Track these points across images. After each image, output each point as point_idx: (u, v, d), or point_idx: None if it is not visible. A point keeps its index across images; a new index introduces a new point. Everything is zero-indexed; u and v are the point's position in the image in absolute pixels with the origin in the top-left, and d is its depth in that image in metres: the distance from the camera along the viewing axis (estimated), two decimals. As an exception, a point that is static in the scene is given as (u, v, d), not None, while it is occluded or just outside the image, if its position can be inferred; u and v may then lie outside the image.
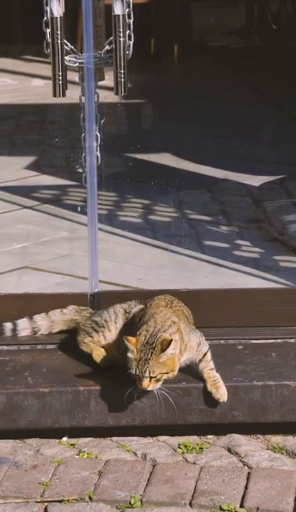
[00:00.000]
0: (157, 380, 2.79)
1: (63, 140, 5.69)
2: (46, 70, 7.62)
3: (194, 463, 2.87)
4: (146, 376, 2.77)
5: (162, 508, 2.67)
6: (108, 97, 3.50)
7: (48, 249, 4.13)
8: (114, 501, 2.69)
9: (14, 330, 3.23)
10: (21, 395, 2.96)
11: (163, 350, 2.78)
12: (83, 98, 3.15)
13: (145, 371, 2.77)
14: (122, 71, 3.02)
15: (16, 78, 7.59)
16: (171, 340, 2.79)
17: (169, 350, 2.79)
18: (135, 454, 2.88)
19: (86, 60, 3.08)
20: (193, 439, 2.98)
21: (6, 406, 2.95)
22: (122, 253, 4.05)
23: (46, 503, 2.70)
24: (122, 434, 2.97)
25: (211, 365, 2.96)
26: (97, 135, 3.17)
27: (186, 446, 2.94)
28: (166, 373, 2.80)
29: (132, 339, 2.81)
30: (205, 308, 3.29)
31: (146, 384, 2.78)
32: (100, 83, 3.19)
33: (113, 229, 4.30)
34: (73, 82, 3.19)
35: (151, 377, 2.78)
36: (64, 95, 3.06)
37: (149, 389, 2.79)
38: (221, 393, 2.91)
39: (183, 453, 2.92)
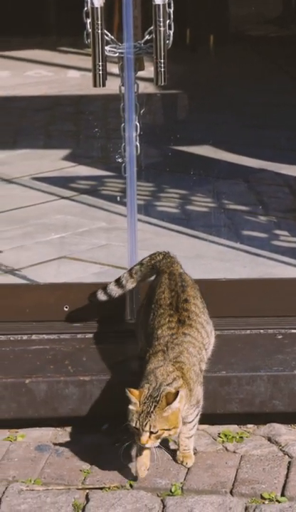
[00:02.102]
0: (157, 437, 2.61)
1: (99, 131, 5.70)
2: (82, 61, 7.68)
3: (234, 452, 2.88)
4: (146, 430, 2.59)
5: (203, 496, 2.68)
6: (148, 86, 3.50)
7: (86, 239, 4.15)
8: (154, 489, 2.71)
9: (109, 297, 3.15)
10: (62, 383, 2.98)
11: (168, 404, 2.60)
12: (123, 88, 3.16)
13: (145, 425, 2.59)
14: (162, 61, 3.02)
15: (51, 70, 7.62)
16: (178, 392, 2.62)
17: (175, 404, 2.60)
18: (175, 442, 2.89)
19: (126, 50, 3.09)
20: (233, 428, 2.99)
21: (47, 394, 2.97)
22: (160, 243, 4.05)
23: (87, 490, 2.72)
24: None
25: (191, 432, 2.78)
26: (136, 125, 3.17)
27: (226, 435, 2.95)
28: (168, 430, 2.62)
29: (135, 391, 2.64)
30: (245, 297, 3.29)
31: (146, 439, 2.60)
32: (138, 74, 3.19)
33: (151, 219, 4.30)
34: (110, 73, 3.19)
35: (151, 433, 2.60)
36: (104, 85, 3.06)
37: (148, 445, 2.61)
38: (187, 461, 2.79)
39: (223, 442, 2.93)
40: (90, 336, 3.23)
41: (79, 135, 5.80)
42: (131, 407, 2.64)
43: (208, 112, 6.11)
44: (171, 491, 2.71)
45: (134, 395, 2.64)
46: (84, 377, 2.98)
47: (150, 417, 2.60)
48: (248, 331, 3.23)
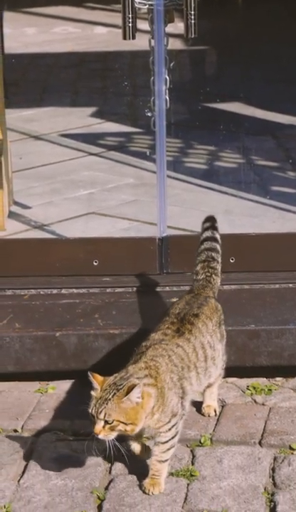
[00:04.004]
0: (112, 429, 2.41)
1: (127, 87, 5.68)
2: (109, 17, 7.62)
3: (263, 404, 2.90)
4: (100, 418, 2.40)
5: (232, 447, 2.71)
6: (176, 41, 3.47)
7: (114, 195, 4.15)
8: (184, 440, 2.74)
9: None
10: (92, 336, 3.01)
11: (127, 395, 2.40)
12: (152, 41, 3.14)
13: (100, 412, 2.40)
14: (193, 12, 3.00)
15: (78, 26, 7.57)
16: (136, 385, 2.40)
17: (132, 397, 2.39)
18: (203, 394, 2.91)
19: (156, 1, 3.07)
20: (261, 381, 3.00)
21: (76, 347, 3.01)
22: (189, 199, 4.06)
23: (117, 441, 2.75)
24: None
25: (165, 456, 2.52)
26: (166, 78, 3.16)
27: (254, 388, 2.97)
28: (125, 424, 2.40)
29: (99, 377, 2.48)
30: (274, 252, 3.30)
31: (99, 429, 2.40)
32: (167, 30, 3.16)
33: (179, 175, 4.30)
34: (138, 30, 3.16)
35: (106, 422, 2.41)
36: (134, 38, 3.05)
37: (101, 436, 2.41)
38: (154, 490, 2.53)
39: (252, 394, 2.95)
40: (119, 290, 3.25)
41: (106, 92, 5.78)
42: (92, 392, 2.47)
43: (236, 68, 6.06)
44: (200, 442, 2.74)
45: (96, 380, 2.47)
46: (113, 331, 3.01)
47: (106, 404, 2.41)
48: (277, 285, 3.23)
